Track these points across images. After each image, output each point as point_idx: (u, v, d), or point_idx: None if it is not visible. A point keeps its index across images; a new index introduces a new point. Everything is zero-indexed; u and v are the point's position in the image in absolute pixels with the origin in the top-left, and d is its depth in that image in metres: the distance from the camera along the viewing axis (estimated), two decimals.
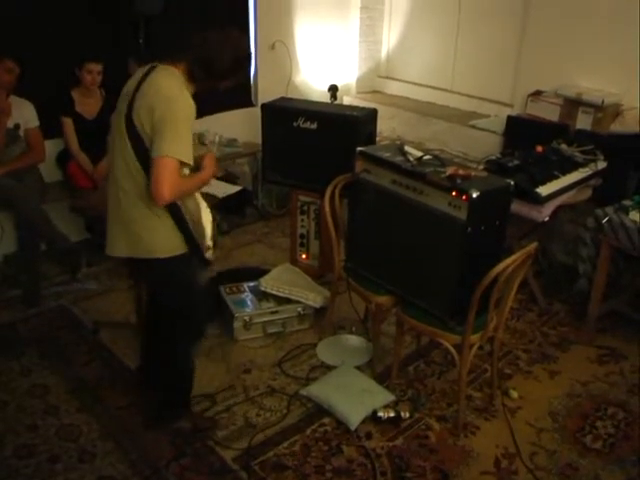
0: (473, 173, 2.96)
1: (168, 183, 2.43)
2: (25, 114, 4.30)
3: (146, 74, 2.57)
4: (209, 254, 2.81)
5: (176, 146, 2.44)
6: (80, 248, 4.57)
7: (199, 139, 4.95)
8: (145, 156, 2.50)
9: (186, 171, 2.58)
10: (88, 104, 4.60)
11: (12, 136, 4.23)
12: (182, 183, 2.54)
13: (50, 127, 4.50)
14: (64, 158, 4.67)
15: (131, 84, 2.61)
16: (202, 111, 4.99)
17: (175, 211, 2.61)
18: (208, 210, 2.79)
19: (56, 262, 4.46)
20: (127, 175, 2.58)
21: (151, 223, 2.61)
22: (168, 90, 2.49)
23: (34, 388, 3.35)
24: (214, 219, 2.83)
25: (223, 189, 4.59)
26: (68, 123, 4.53)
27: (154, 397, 3.11)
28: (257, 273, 4.11)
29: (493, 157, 4.12)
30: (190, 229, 2.66)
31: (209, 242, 2.77)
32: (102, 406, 3.23)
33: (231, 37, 2.65)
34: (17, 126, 4.26)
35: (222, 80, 2.71)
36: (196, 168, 2.67)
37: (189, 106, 2.52)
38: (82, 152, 4.56)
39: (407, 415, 3.14)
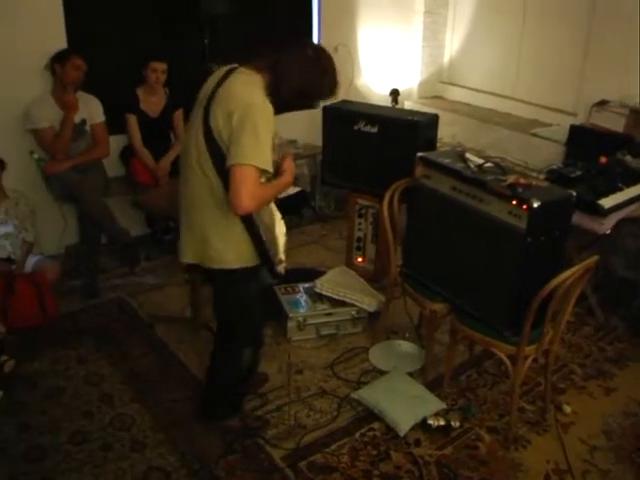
0: (534, 182, 2.92)
1: (248, 192, 2.35)
2: (92, 110, 4.41)
3: (224, 77, 2.53)
4: (280, 267, 2.75)
5: (255, 153, 2.36)
6: (139, 242, 4.67)
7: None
8: (222, 163, 2.44)
9: (262, 179, 2.50)
10: (152, 102, 4.70)
11: (79, 131, 4.35)
12: (262, 191, 2.46)
13: (115, 123, 4.60)
14: (127, 154, 4.77)
15: (208, 86, 2.56)
16: None
17: (249, 222, 2.56)
18: (282, 222, 2.73)
19: (115, 255, 4.56)
20: (204, 182, 2.53)
21: (226, 233, 2.58)
22: (247, 95, 2.42)
23: (90, 376, 3.44)
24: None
25: None
26: (132, 120, 4.62)
27: (209, 393, 3.14)
28: (313, 274, 4.13)
29: (555, 167, 4.06)
30: (263, 241, 2.61)
31: (281, 255, 2.72)
32: (155, 398, 3.28)
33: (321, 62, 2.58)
34: (84, 121, 4.38)
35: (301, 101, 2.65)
36: (275, 172, 2.59)
37: (268, 111, 2.44)
38: (145, 149, 4.65)
39: (457, 424, 3.11)
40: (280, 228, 2.70)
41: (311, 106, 2.74)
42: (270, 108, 2.46)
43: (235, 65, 2.61)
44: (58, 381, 3.39)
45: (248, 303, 2.86)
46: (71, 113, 4.20)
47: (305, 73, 2.52)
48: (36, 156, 4.30)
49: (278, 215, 2.71)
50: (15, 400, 3.23)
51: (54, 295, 3.93)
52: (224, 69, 2.60)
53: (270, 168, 2.45)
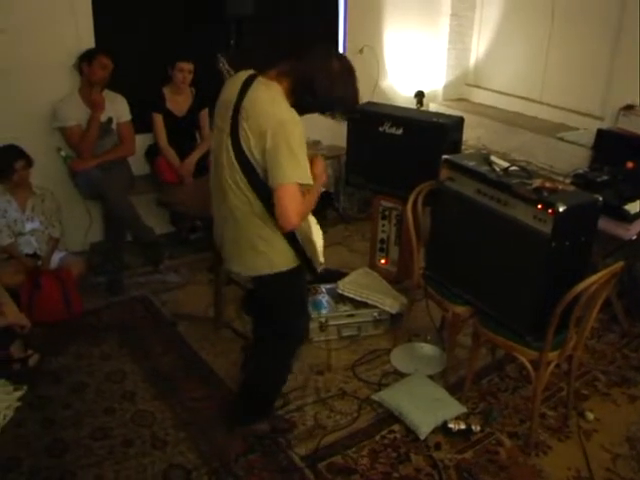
0: (560, 187, 2.90)
1: (295, 210, 2.38)
2: (118, 108, 4.45)
3: (245, 86, 2.48)
4: (320, 269, 2.76)
5: (295, 171, 2.38)
6: (163, 241, 4.69)
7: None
8: (254, 178, 2.45)
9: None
10: (178, 101, 4.73)
11: (105, 129, 4.39)
12: (305, 205, 2.48)
13: (141, 122, 4.64)
14: (152, 153, 4.80)
15: (230, 95, 2.50)
16: None
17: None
18: (318, 226, 2.75)
19: (140, 253, 4.59)
20: (238, 193, 2.52)
21: (269, 239, 2.58)
22: (277, 111, 2.40)
23: (112, 373, 3.47)
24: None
25: None
26: (158, 119, 4.66)
27: (240, 399, 3.11)
28: (335, 276, 4.11)
29: (581, 171, 4.04)
30: (301, 245, 2.62)
31: (321, 259, 2.72)
32: (176, 396, 3.30)
33: (338, 64, 2.51)
34: (110, 120, 4.42)
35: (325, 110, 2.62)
36: None
37: (299, 125, 2.43)
38: (170, 148, 4.68)
39: (478, 429, 3.10)
40: (317, 232, 2.71)
41: (327, 111, 2.66)
42: (299, 120, 2.45)
43: (251, 72, 2.55)
44: (81, 377, 3.43)
45: (299, 303, 2.85)
46: (98, 112, 4.25)
47: (327, 84, 2.47)
48: (63, 153, 4.35)
49: (313, 220, 2.72)
50: (39, 394, 3.27)
51: (79, 291, 3.98)
52: (242, 77, 2.53)
53: (310, 181, 2.46)
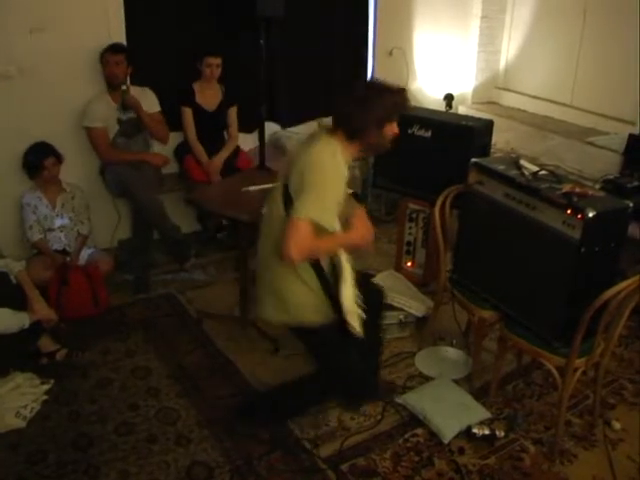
0: (590, 192, 2.87)
1: (295, 244, 2.37)
2: (147, 101, 4.50)
3: (310, 141, 2.57)
4: (352, 328, 2.64)
5: (313, 208, 2.40)
6: (190, 239, 4.72)
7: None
8: None
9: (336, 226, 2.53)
10: (208, 96, 4.76)
11: (136, 126, 4.43)
12: (316, 244, 2.47)
13: (170, 120, 4.67)
14: (181, 152, 4.83)
15: (297, 149, 2.63)
16: (317, 112, 5.03)
17: (319, 272, 2.59)
18: (351, 287, 2.65)
19: (166, 251, 4.61)
20: (278, 240, 2.51)
21: (298, 289, 2.59)
22: (318, 155, 2.47)
23: (138, 370, 3.50)
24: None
25: None
26: (188, 113, 4.69)
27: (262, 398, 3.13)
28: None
29: (611, 176, 4.00)
30: (334, 293, 2.61)
31: (348, 318, 2.62)
32: (201, 394, 3.32)
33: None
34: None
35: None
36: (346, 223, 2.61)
37: (337, 172, 2.48)
38: (199, 143, 4.71)
39: (502, 434, 3.07)
40: (346, 291, 2.62)
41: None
42: (341, 169, 2.49)
43: (323, 132, 2.61)
44: (107, 372, 3.46)
45: (341, 362, 2.81)
46: (140, 110, 4.35)
47: (362, 113, 2.52)
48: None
49: (348, 277, 2.64)
50: (66, 388, 3.31)
51: (106, 288, 4.01)
52: (314, 134, 2.64)
53: (331, 226, 2.47)
